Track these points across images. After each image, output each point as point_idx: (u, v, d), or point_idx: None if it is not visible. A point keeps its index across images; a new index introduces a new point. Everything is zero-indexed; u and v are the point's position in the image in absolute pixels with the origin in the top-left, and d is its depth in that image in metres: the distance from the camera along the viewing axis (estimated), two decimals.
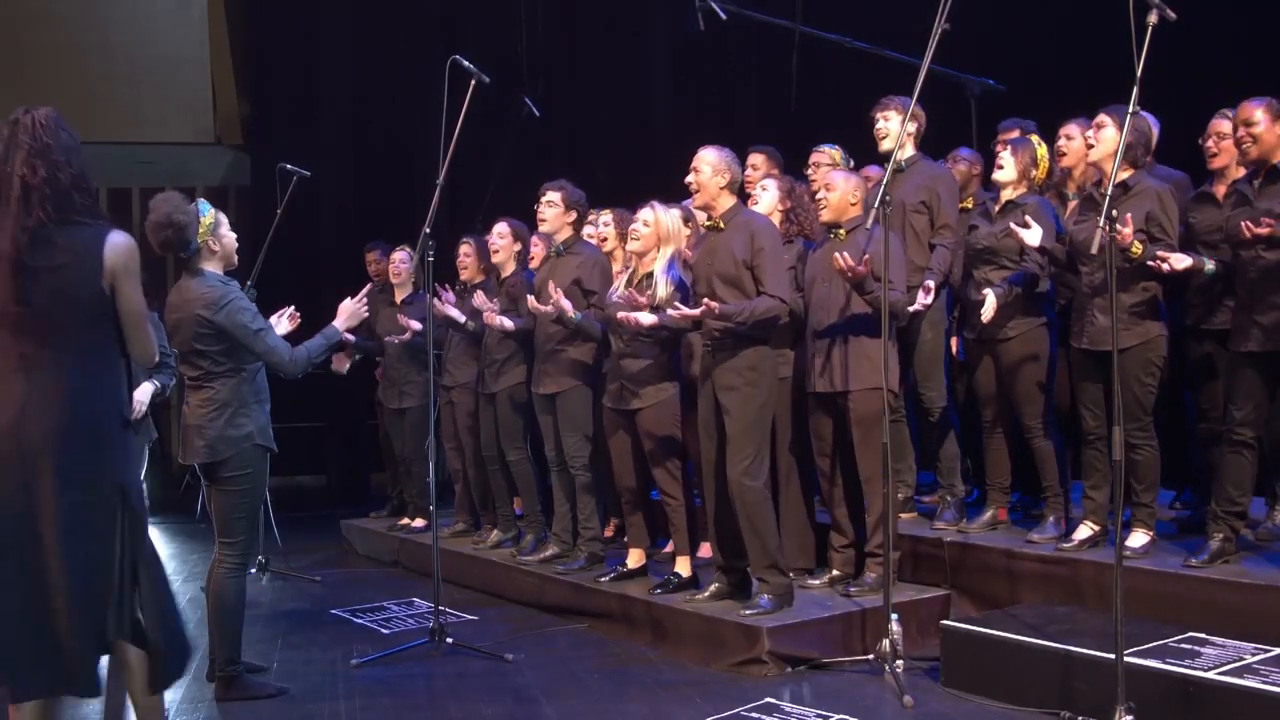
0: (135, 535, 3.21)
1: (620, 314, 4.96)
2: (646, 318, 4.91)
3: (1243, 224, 4.23)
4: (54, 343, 3.14)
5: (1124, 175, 4.60)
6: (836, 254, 4.69)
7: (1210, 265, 4.51)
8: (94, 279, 3.14)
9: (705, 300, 4.65)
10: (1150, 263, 4.45)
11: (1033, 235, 4.80)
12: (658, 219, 5.15)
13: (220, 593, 4.49)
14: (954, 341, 5.57)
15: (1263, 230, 4.18)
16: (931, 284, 5.13)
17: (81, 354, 3.17)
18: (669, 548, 5.77)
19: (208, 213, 4.48)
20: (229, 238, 4.56)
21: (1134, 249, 4.42)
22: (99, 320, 3.19)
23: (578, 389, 5.72)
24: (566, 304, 5.47)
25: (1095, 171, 4.84)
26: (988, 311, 4.95)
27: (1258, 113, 4.40)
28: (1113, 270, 3.75)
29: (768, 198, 5.29)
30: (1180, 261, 4.42)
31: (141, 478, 3.47)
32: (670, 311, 4.80)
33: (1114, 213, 3.69)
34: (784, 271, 4.84)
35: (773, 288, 4.70)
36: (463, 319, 6.26)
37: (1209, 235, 4.74)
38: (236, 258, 4.64)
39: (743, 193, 5.11)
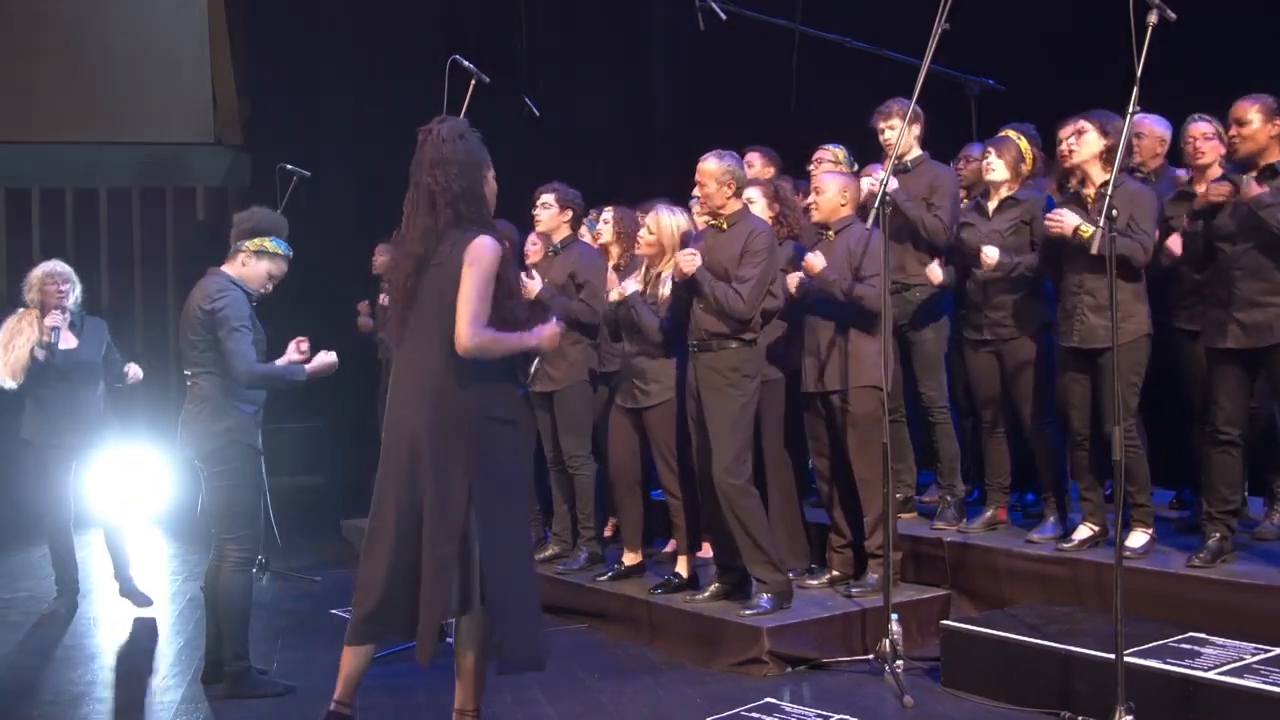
0: (486, 520, 3.47)
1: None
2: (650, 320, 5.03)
3: None
4: (430, 336, 3.48)
5: (1107, 176, 4.59)
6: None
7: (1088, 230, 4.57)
8: (456, 276, 3.44)
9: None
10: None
11: (991, 253, 4.98)
12: (660, 229, 5.12)
13: (227, 587, 4.52)
14: None
15: None
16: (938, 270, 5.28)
17: (449, 347, 3.44)
18: (669, 547, 5.77)
19: (278, 245, 4.67)
20: (261, 269, 4.64)
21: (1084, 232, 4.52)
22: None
23: (575, 387, 5.72)
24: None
25: (1080, 174, 4.85)
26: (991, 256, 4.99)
27: (1251, 111, 4.42)
28: (1112, 270, 3.74)
29: (755, 210, 5.23)
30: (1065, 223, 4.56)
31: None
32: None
33: (1114, 212, 3.69)
34: (760, 278, 4.77)
35: (741, 286, 4.71)
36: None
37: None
38: (267, 289, 4.71)
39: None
